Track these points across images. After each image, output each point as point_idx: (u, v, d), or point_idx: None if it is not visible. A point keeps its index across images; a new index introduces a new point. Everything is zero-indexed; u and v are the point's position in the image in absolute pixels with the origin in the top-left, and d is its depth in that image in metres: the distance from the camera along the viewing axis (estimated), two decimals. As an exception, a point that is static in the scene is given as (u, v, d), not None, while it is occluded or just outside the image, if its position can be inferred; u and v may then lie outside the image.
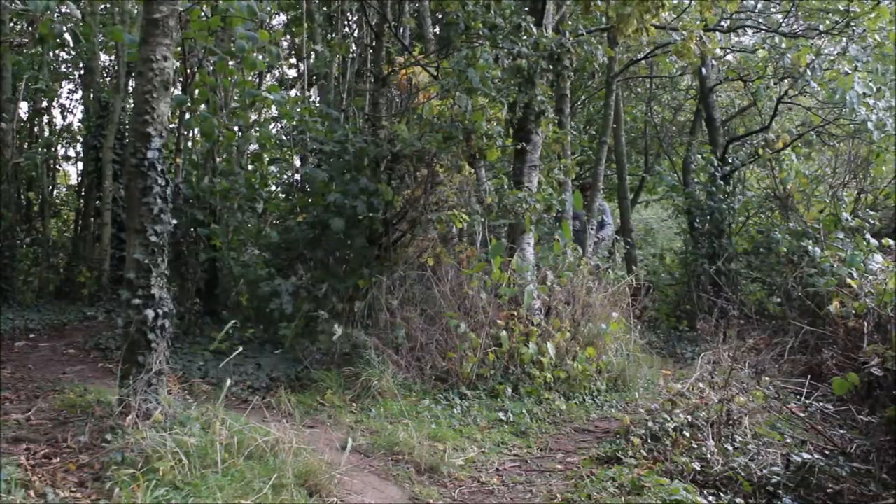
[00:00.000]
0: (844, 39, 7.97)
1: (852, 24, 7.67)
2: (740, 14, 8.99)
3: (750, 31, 9.33)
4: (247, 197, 6.24)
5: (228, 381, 3.69)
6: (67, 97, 11.86)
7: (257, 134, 6.68)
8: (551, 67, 5.66)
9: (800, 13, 8.66)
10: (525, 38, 5.45)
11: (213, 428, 3.00)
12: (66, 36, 9.41)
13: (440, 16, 7.98)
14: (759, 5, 9.50)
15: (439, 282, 5.30)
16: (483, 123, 5.42)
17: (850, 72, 7.72)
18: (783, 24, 8.62)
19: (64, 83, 11.10)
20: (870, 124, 7.52)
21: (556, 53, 5.57)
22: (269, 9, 7.75)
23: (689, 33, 5.52)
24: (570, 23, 6.79)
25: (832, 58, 8.16)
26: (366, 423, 3.96)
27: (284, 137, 8.86)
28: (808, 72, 7.94)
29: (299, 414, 3.90)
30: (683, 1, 7.39)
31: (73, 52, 10.45)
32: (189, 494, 2.51)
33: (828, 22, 8.04)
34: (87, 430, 3.06)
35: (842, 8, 7.65)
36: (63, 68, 10.95)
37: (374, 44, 6.72)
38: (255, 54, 5.63)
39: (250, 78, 7.72)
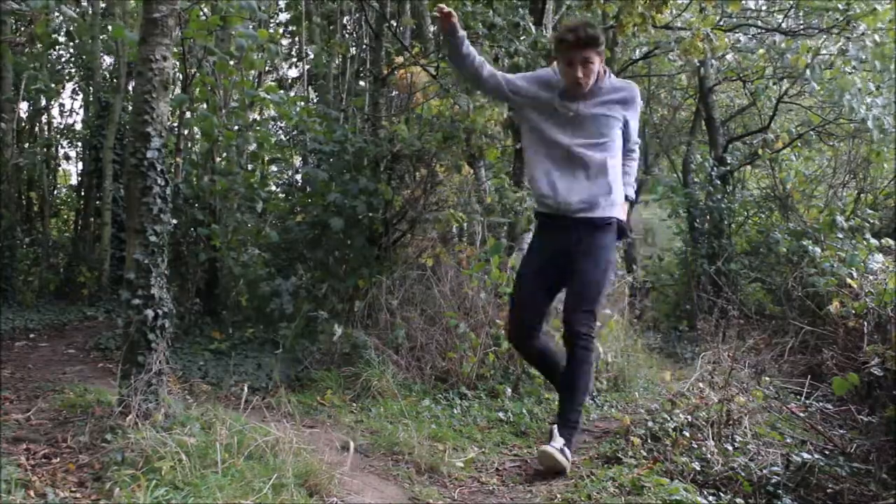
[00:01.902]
0: (843, 39, 7.98)
1: (851, 23, 7.67)
2: (740, 14, 8.99)
3: (749, 31, 9.33)
4: (246, 197, 6.25)
5: (245, 388, 3.70)
6: (70, 97, 11.87)
7: (257, 133, 6.68)
8: (549, 66, 5.67)
9: (800, 12, 8.66)
10: (523, 37, 5.46)
11: (214, 428, 3.00)
12: (63, 36, 9.42)
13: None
14: (759, 3, 9.51)
15: (439, 282, 5.30)
16: (483, 123, 5.43)
17: (849, 71, 7.72)
18: (782, 23, 8.62)
19: (65, 84, 11.11)
20: (869, 123, 7.53)
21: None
22: (266, 7, 7.76)
23: (697, 30, 5.52)
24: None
25: (832, 57, 8.17)
26: (366, 423, 3.96)
27: (284, 138, 8.88)
28: (808, 72, 7.95)
29: (299, 414, 3.90)
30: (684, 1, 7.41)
31: (72, 52, 10.45)
32: (189, 494, 2.51)
33: (827, 20, 8.04)
34: (87, 430, 3.06)
35: (841, 7, 7.66)
36: (65, 69, 10.96)
37: (373, 44, 6.72)
38: (254, 53, 5.63)
39: (250, 78, 7.73)
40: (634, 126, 3.41)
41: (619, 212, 3.32)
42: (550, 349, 3.56)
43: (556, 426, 3.29)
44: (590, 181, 3.25)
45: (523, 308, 3.46)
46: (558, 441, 3.20)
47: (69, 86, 11.34)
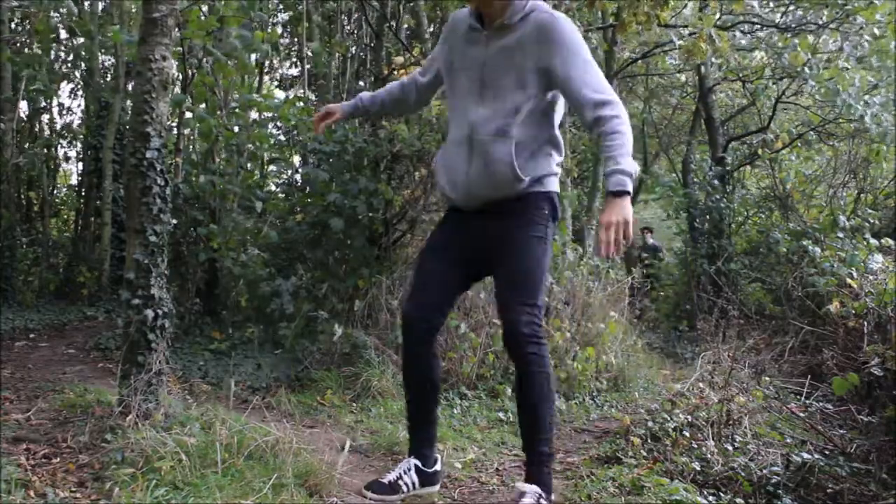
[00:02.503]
0: (840, 37, 7.99)
1: (850, 18, 7.68)
2: (737, 13, 8.99)
3: (748, 29, 9.33)
4: (244, 197, 6.24)
5: (233, 384, 3.70)
6: (69, 97, 11.89)
7: (254, 133, 6.67)
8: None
9: (798, 10, 8.66)
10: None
11: (214, 428, 3.00)
12: (64, 32, 9.40)
13: (439, 12, 8.00)
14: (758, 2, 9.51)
15: (439, 282, 5.29)
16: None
17: (847, 68, 7.72)
18: (780, 21, 8.63)
19: (64, 83, 11.11)
20: (867, 118, 7.53)
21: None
22: (262, 5, 7.74)
23: (700, 31, 5.49)
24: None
25: (830, 55, 8.17)
26: (366, 423, 3.96)
27: (283, 138, 8.88)
28: (807, 70, 7.95)
29: (299, 414, 3.90)
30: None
31: (71, 51, 10.44)
32: (189, 494, 2.51)
33: (827, 14, 8.04)
34: (87, 430, 3.06)
35: (840, 2, 7.66)
36: (63, 69, 10.96)
37: (373, 43, 6.72)
38: (248, 55, 5.61)
39: (247, 79, 7.74)
40: (582, 73, 2.36)
41: (551, 184, 2.53)
42: (438, 378, 2.69)
43: (521, 482, 2.53)
44: (492, 172, 2.45)
45: (426, 290, 2.58)
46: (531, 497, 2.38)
47: (69, 86, 11.35)
